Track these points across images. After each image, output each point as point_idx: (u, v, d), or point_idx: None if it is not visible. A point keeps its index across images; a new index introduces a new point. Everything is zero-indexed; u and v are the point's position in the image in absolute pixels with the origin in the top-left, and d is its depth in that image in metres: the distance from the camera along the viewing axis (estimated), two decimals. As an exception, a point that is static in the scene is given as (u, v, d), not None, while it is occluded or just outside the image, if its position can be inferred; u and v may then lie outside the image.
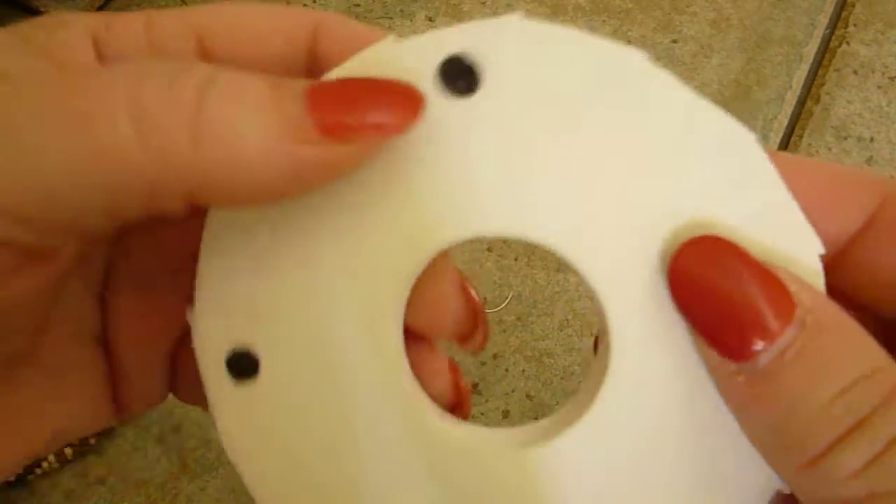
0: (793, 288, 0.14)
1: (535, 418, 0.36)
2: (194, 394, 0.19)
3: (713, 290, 0.14)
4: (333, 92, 0.13)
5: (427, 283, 0.17)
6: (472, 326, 0.19)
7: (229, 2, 0.17)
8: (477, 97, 0.15)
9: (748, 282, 0.14)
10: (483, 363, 0.37)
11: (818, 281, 0.15)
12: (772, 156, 0.15)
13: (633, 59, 0.14)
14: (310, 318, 0.16)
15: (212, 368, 0.16)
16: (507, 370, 0.37)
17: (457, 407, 0.19)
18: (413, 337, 0.17)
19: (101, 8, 0.50)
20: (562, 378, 0.37)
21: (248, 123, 0.13)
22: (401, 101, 0.14)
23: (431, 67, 0.15)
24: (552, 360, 0.37)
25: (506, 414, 0.36)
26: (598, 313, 0.16)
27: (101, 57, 0.16)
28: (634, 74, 0.14)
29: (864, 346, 0.14)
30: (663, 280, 0.15)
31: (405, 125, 0.14)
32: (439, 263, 0.17)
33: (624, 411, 0.15)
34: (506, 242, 0.40)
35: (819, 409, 0.13)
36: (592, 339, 0.37)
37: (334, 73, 0.15)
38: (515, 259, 0.40)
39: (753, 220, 0.15)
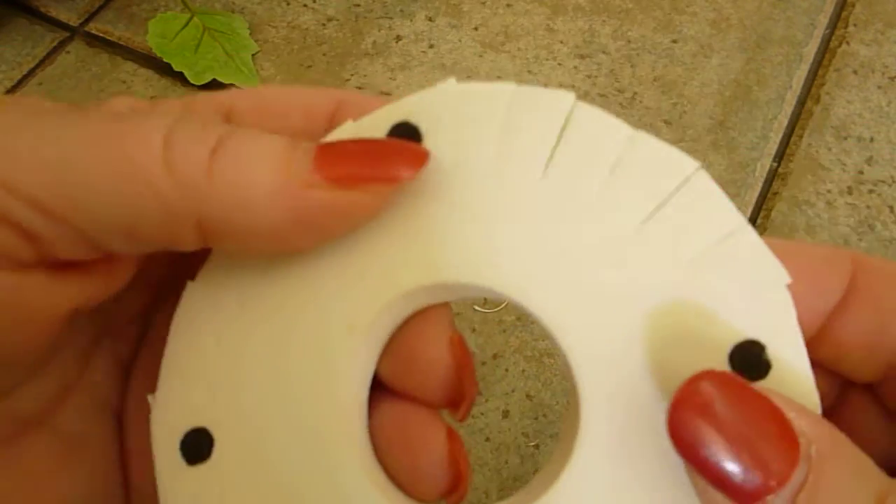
0: (791, 416, 0.13)
1: (535, 418, 0.36)
2: None
3: (716, 431, 0.13)
4: (343, 146, 0.14)
5: (409, 340, 0.16)
6: (459, 393, 0.17)
7: (260, 86, 0.18)
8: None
9: (752, 418, 0.13)
10: (483, 363, 0.37)
11: (802, 354, 0.14)
12: (769, 243, 0.15)
13: (561, 102, 0.15)
14: (267, 395, 0.15)
15: (165, 450, 0.15)
16: (507, 370, 0.37)
17: (452, 488, 0.17)
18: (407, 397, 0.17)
19: (101, 8, 0.50)
20: (562, 378, 0.37)
21: (260, 165, 0.14)
22: (407, 152, 0.15)
23: (382, 134, 0.16)
24: (552, 360, 0.37)
25: (506, 414, 0.36)
26: (566, 374, 0.15)
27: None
28: (561, 117, 0.15)
29: (866, 471, 0.13)
30: (639, 371, 0.14)
31: (414, 172, 0.15)
32: (432, 317, 0.16)
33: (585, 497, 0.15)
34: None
35: None
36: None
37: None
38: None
39: (721, 262, 0.14)
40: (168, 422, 0.15)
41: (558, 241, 0.15)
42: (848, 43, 0.46)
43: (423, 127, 0.16)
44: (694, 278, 0.14)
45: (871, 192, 0.41)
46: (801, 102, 0.44)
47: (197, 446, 0.15)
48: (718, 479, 0.13)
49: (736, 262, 0.14)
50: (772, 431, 0.13)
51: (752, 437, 0.13)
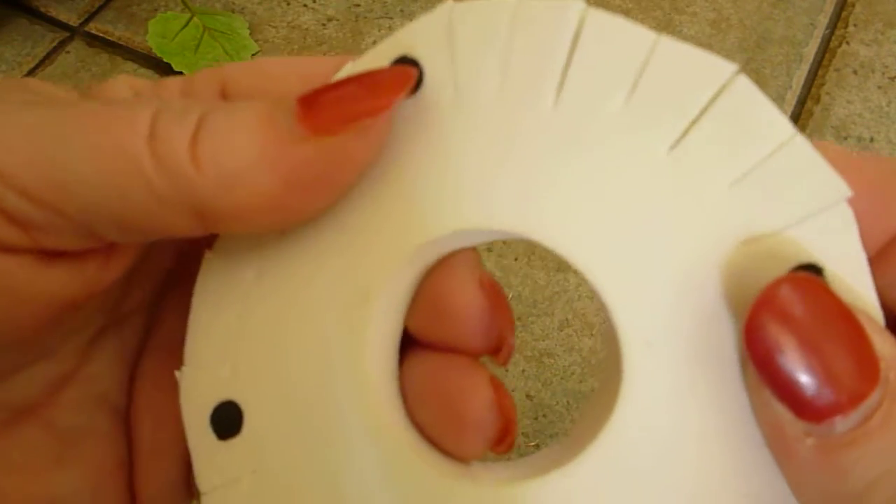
0: (875, 337, 0.12)
1: (535, 418, 0.36)
2: None
3: (796, 341, 0.12)
4: (323, 91, 0.14)
5: (436, 289, 0.16)
6: (497, 336, 0.17)
7: (259, 59, 0.17)
8: (423, 92, 0.14)
9: (835, 332, 0.12)
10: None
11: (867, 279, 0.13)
12: (819, 147, 0.13)
13: (569, 11, 0.13)
14: (292, 367, 0.15)
15: (196, 427, 0.15)
16: (506, 370, 0.37)
17: (501, 437, 0.16)
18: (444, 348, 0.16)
19: (101, 8, 0.50)
20: (562, 378, 0.37)
21: (241, 135, 0.13)
22: (387, 80, 0.14)
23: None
24: (552, 360, 0.37)
25: (506, 414, 0.36)
26: (607, 330, 0.14)
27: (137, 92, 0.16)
28: (570, 31, 0.13)
29: None
30: (690, 302, 0.13)
31: (397, 95, 0.14)
32: (456, 262, 0.16)
33: (631, 448, 0.14)
34: (506, 242, 0.40)
35: None
36: (592, 339, 0.37)
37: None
38: (515, 259, 0.40)
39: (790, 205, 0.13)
40: (196, 397, 0.15)
41: (580, 175, 0.13)
42: (848, 43, 0.46)
43: (424, 60, 0.14)
44: (740, 201, 0.13)
45: (871, 192, 0.41)
46: (801, 102, 0.44)
47: (227, 421, 0.15)
48: (788, 391, 0.12)
49: (787, 178, 0.13)
50: (852, 348, 0.12)
51: (830, 350, 0.12)
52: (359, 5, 0.49)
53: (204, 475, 0.15)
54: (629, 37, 0.13)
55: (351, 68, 0.15)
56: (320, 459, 0.15)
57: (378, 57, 0.15)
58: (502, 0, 0.14)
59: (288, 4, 0.49)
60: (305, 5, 0.49)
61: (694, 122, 0.13)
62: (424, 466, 0.15)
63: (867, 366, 0.12)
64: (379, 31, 0.47)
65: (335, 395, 0.15)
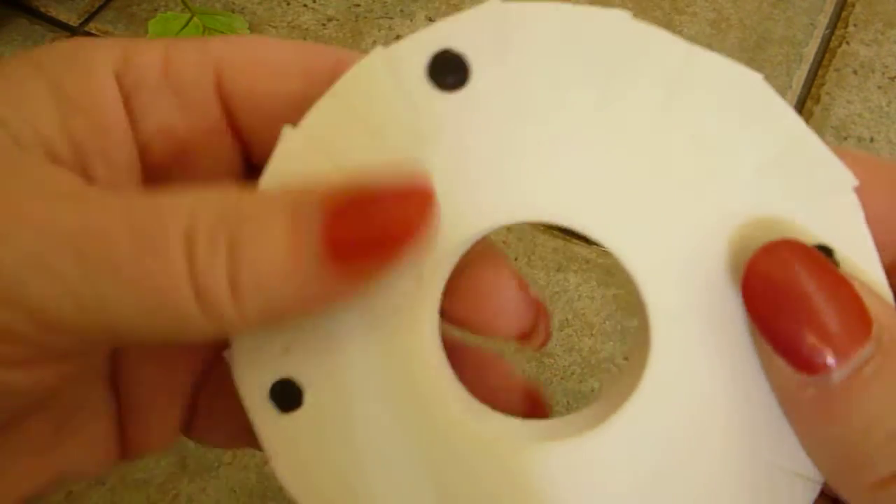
0: (869, 302, 0.13)
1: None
2: (213, 434, 0.19)
3: (790, 297, 0.13)
4: (348, 228, 0.14)
5: (474, 276, 0.17)
6: (532, 321, 0.18)
7: (252, 36, 0.17)
8: (470, 89, 0.15)
9: (828, 292, 0.13)
10: (483, 363, 0.37)
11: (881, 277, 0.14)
12: (840, 152, 0.14)
13: (617, 22, 0.15)
14: (349, 345, 0.16)
15: (257, 403, 0.16)
16: (507, 370, 0.37)
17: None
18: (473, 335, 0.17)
19: (101, 8, 0.50)
20: (562, 378, 0.37)
21: (276, 271, 0.13)
22: (412, 218, 0.14)
23: (420, 68, 0.15)
24: (552, 360, 0.37)
25: (506, 414, 0.36)
26: (637, 303, 0.16)
27: (121, 74, 0.16)
28: (616, 38, 0.15)
29: None
30: (711, 275, 0.15)
31: (418, 244, 0.14)
32: (487, 253, 0.17)
33: (662, 411, 0.15)
34: (506, 242, 0.40)
35: None
36: (592, 339, 0.37)
37: (336, 89, 0.15)
38: (515, 259, 0.40)
39: (805, 200, 0.14)
40: (253, 376, 0.16)
41: (620, 168, 0.15)
42: (848, 43, 0.46)
43: (469, 55, 0.15)
44: (759, 188, 0.14)
45: (871, 192, 0.41)
46: (801, 102, 0.44)
47: (287, 395, 0.16)
48: (782, 344, 0.13)
49: (800, 168, 0.14)
50: (840, 304, 0.13)
51: (821, 305, 0.13)
52: (359, 5, 0.49)
53: (271, 448, 0.16)
54: (668, 45, 0.15)
55: (384, 57, 0.15)
56: (382, 434, 0.16)
57: (418, 45, 0.15)
58: (556, 6, 0.15)
59: (288, 4, 0.49)
60: (305, 5, 0.49)
61: (723, 120, 0.14)
62: (467, 430, 0.16)
63: (857, 321, 0.13)
64: (379, 31, 0.47)
65: (396, 373, 0.16)
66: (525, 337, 0.18)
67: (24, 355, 0.13)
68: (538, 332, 0.19)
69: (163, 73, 0.16)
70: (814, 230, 0.14)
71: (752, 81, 0.14)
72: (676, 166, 0.15)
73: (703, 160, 0.14)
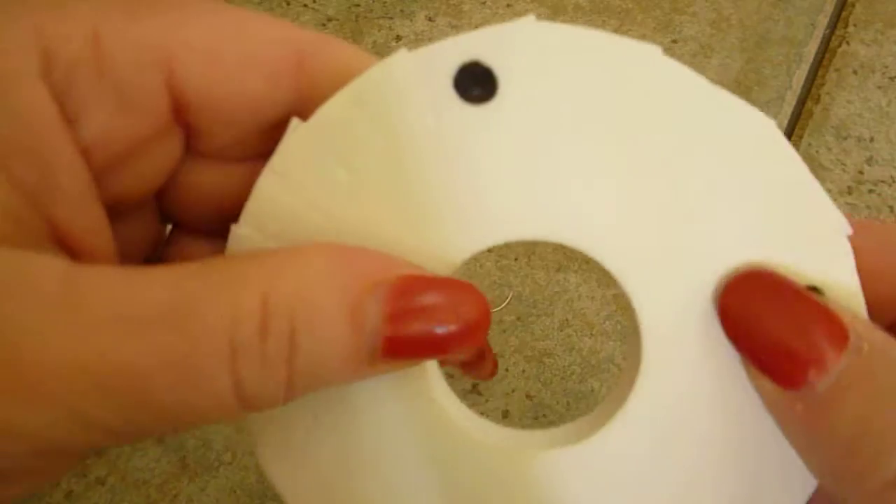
0: (846, 318, 0.14)
1: (535, 418, 0.36)
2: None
3: (765, 323, 0.14)
4: (407, 345, 0.14)
5: None
6: (476, 355, 0.19)
7: (206, 8, 0.15)
8: (496, 103, 0.15)
9: (796, 311, 0.14)
10: (483, 363, 0.37)
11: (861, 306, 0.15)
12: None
13: (648, 56, 0.15)
14: None
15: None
16: (507, 370, 0.37)
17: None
18: None
19: (101, 8, 0.50)
20: (562, 378, 0.37)
21: (329, 375, 0.14)
22: (467, 334, 0.14)
23: (446, 77, 0.15)
24: (552, 360, 0.37)
25: (506, 414, 0.36)
26: (630, 319, 0.16)
27: (46, 72, 0.13)
28: (646, 72, 0.15)
29: None
30: (705, 304, 0.15)
31: (467, 347, 0.15)
32: None
33: (651, 423, 0.16)
34: (505, 242, 0.40)
35: (889, 430, 0.13)
36: (592, 339, 0.37)
37: (354, 86, 0.15)
38: (515, 259, 0.40)
39: (797, 239, 0.15)
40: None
41: (630, 198, 0.15)
42: (848, 43, 0.46)
43: (498, 70, 0.14)
44: (760, 228, 0.15)
45: (871, 192, 0.41)
46: (801, 102, 0.44)
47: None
48: (763, 365, 0.14)
49: (800, 212, 0.15)
50: (813, 320, 0.14)
51: (791, 325, 0.14)
52: (359, 5, 0.49)
53: (261, 442, 0.16)
54: (692, 84, 0.15)
55: (410, 64, 0.14)
56: (378, 438, 0.16)
57: (447, 53, 0.14)
58: (590, 33, 0.15)
59: (288, 4, 0.49)
60: (305, 5, 0.49)
61: (733, 161, 0.15)
62: (469, 435, 0.16)
63: (830, 333, 0.14)
64: (379, 31, 0.47)
65: (390, 379, 0.16)
66: (468, 367, 0.19)
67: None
68: (484, 364, 0.19)
69: (96, 67, 0.14)
70: (805, 271, 0.15)
71: (763, 125, 0.15)
72: (684, 203, 0.15)
73: (711, 200, 0.15)
